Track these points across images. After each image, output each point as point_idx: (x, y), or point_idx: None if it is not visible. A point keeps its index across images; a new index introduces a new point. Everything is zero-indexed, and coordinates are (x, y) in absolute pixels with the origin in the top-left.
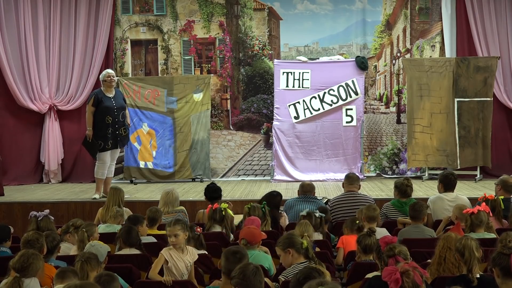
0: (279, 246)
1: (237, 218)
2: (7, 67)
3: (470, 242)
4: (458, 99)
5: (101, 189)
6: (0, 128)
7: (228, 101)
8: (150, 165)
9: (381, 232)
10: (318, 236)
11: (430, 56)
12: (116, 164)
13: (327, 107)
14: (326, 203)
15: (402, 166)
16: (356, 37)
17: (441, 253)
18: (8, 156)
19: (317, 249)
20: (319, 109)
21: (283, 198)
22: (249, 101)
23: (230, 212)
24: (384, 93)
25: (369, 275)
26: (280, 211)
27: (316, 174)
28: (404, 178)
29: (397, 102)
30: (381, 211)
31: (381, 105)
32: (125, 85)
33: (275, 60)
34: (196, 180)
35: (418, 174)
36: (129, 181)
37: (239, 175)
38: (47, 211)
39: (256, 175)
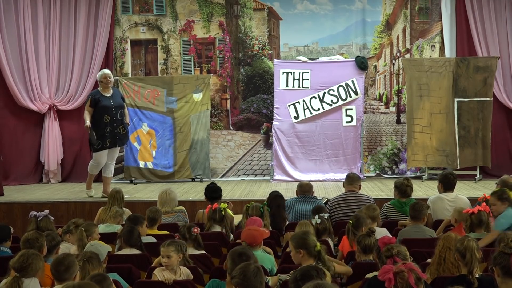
0: (292, 243)
1: (237, 218)
2: (7, 67)
3: (471, 243)
4: (457, 99)
5: (91, 185)
6: (0, 128)
7: (228, 101)
8: (150, 165)
9: (381, 232)
10: (330, 242)
11: (430, 56)
12: (116, 164)
13: (327, 107)
14: (326, 203)
15: (402, 166)
16: (356, 37)
17: (441, 253)
18: (8, 156)
19: None
20: (319, 109)
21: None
22: (248, 101)
23: (230, 212)
24: (384, 93)
25: (369, 275)
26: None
27: (316, 174)
28: (404, 178)
29: (396, 102)
30: (381, 211)
31: (381, 105)
32: (125, 85)
33: (275, 60)
34: (196, 180)
35: (418, 174)
36: (129, 181)
37: (239, 175)
38: (46, 211)
39: (256, 175)
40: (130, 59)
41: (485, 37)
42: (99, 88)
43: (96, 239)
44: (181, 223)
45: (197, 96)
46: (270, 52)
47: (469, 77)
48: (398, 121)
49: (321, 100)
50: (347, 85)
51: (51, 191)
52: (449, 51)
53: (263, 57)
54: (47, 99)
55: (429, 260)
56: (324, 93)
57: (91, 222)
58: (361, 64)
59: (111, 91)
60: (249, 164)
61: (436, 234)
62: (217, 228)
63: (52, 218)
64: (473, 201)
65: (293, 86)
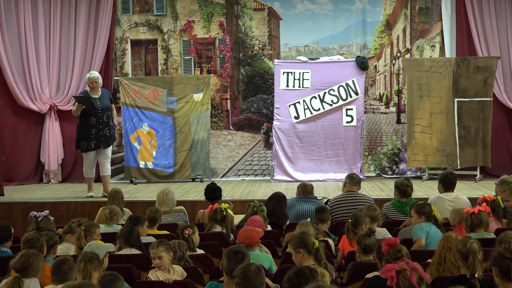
0: (291, 245)
1: (237, 218)
2: (7, 67)
3: (474, 245)
4: (458, 99)
5: (92, 187)
6: (0, 128)
7: (228, 101)
8: (150, 165)
9: (381, 232)
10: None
11: (430, 56)
12: (116, 164)
13: (327, 107)
14: (326, 203)
15: (402, 166)
16: (356, 37)
17: (441, 253)
18: (9, 156)
19: None
20: (319, 109)
21: None
22: (249, 101)
23: (231, 212)
24: (384, 93)
25: (369, 275)
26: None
27: (316, 174)
28: (404, 178)
29: (397, 102)
30: (381, 211)
31: (381, 105)
32: (125, 85)
33: (276, 60)
34: (196, 180)
35: (418, 174)
36: (129, 181)
37: (239, 175)
38: (46, 211)
39: (256, 175)
40: (131, 59)
41: (485, 37)
42: (87, 89)
43: (97, 240)
44: (181, 223)
45: (198, 96)
46: (270, 52)
47: (470, 77)
48: (398, 121)
49: (322, 100)
50: (347, 85)
51: (51, 191)
52: (449, 51)
53: (263, 57)
54: (48, 99)
55: (429, 260)
56: (325, 93)
57: (93, 222)
58: (362, 64)
59: (100, 92)
60: (249, 164)
61: None
62: (218, 228)
63: (52, 218)
64: (473, 201)
65: (294, 86)
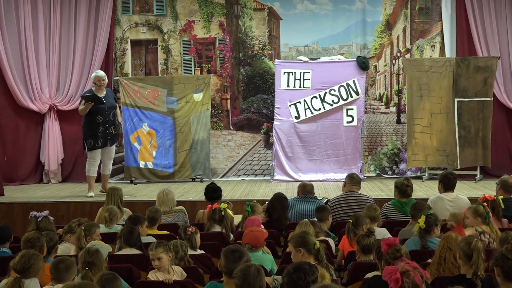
0: (292, 243)
1: (237, 218)
2: (7, 67)
3: (479, 244)
4: (458, 99)
5: (93, 186)
6: (1, 128)
7: (228, 101)
8: (150, 165)
9: (381, 232)
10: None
11: (430, 56)
12: (116, 164)
13: (328, 107)
14: (326, 203)
15: (402, 166)
16: (356, 37)
17: (441, 253)
18: (9, 156)
19: None
20: (320, 109)
21: None
22: (249, 101)
23: (230, 212)
24: (384, 93)
25: (369, 275)
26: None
27: (316, 174)
28: (404, 178)
29: (397, 102)
30: (381, 211)
31: (381, 105)
32: (125, 85)
33: (276, 60)
34: (196, 180)
35: (418, 174)
36: (129, 181)
37: (239, 175)
38: (46, 211)
39: (256, 175)
40: (131, 59)
41: (485, 37)
42: (92, 88)
43: (97, 240)
44: (181, 223)
45: (198, 96)
46: (270, 52)
47: (470, 77)
48: (399, 121)
49: (322, 100)
50: (348, 85)
51: (51, 191)
52: (450, 51)
53: (264, 57)
54: (48, 99)
55: (429, 260)
56: (325, 93)
57: (93, 222)
58: (362, 64)
59: (105, 91)
60: (249, 164)
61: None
62: (217, 228)
63: (52, 218)
64: (473, 201)
65: (294, 86)
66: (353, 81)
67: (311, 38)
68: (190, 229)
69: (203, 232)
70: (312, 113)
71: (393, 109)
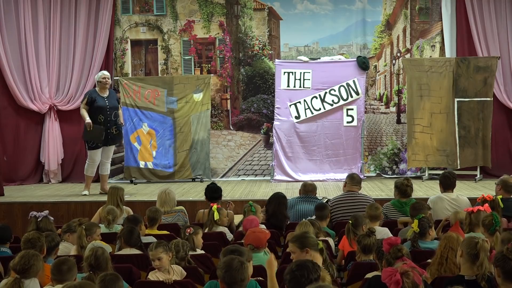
0: (296, 244)
1: (237, 218)
2: (7, 67)
3: (486, 244)
4: (458, 99)
5: (89, 185)
6: (1, 128)
7: (228, 101)
8: (150, 165)
9: (382, 231)
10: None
11: (430, 56)
12: (116, 164)
13: (328, 107)
14: (326, 203)
15: (402, 166)
16: (356, 37)
17: (442, 253)
18: (9, 156)
19: None
20: (320, 109)
21: None
22: (249, 101)
23: (225, 212)
24: (384, 93)
25: (369, 275)
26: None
27: (316, 174)
28: (404, 178)
29: (397, 102)
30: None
31: (381, 105)
32: (125, 85)
33: (276, 60)
34: (196, 180)
35: (418, 174)
36: (129, 181)
37: (239, 175)
38: (46, 211)
39: (256, 175)
40: (130, 59)
41: (485, 37)
42: (96, 88)
43: (97, 240)
44: (181, 223)
45: (198, 96)
46: (270, 52)
47: (470, 77)
48: (399, 121)
49: (322, 100)
50: (348, 85)
51: (51, 191)
52: (450, 51)
53: (264, 57)
54: (47, 99)
55: (429, 260)
56: (325, 93)
57: (94, 222)
58: (363, 64)
59: (108, 92)
60: (250, 164)
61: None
62: (219, 228)
63: (52, 218)
64: (473, 201)
65: (294, 86)
66: (353, 81)
67: (311, 38)
68: (189, 230)
69: (204, 232)
70: (312, 113)
71: (393, 109)
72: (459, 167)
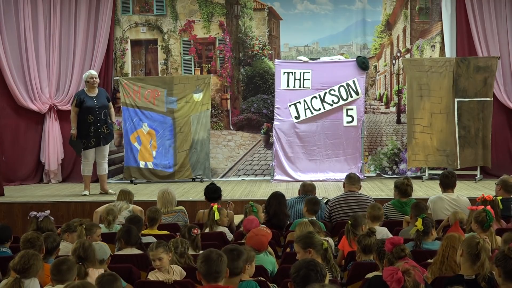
0: (299, 244)
1: (237, 218)
2: (7, 67)
3: (486, 244)
4: (458, 99)
5: (89, 186)
6: (0, 128)
7: (228, 101)
8: (150, 165)
9: (382, 231)
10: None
11: (430, 56)
12: (116, 164)
13: (327, 107)
14: (326, 203)
15: (402, 166)
16: (356, 37)
17: (444, 252)
18: (9, 156)
19: None
20: (319, 109)
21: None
22: (249, 101)
23: (226, 212)
24: (384, 93)
25: (369, 275)
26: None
27: (316, 174)
28: (404, 177)
29: (397, 102)
30: None
31: (381, 105)
32: (125, 85)
33: (276, 60)
34: (196, 180)
35: (418, 174)
36: (129, 181)
37: (239, 175)
38: (47, 211)
39: (256, 175)
40: (130, 59)
41: (485, 37)
42: (84, 89)
43: (97, 240)
44: (181, 223)
45: (197, 96)
46: (270, 52)
47: (470, 77)
48: (399, 121)
49: (322, 100)
50: (348, 85)
51: (51, 191)
52: (450, 51)
53: (263, 57)
54: (48, 99)
55: (429, 260)
56: (325, 93)
57: (94, 223)
58: (362, 64)
59: (97, 91)
60: (250, 164)
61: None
62: (219, 228)
63: (53, 218)
64: (473, 201)
65: (294, 86)
66: (353, 81)
67: (311, 38)
68: (196, 231)
69: (203, 232)
70: (312, 113)
71: (393, 109)
72: (459, 167)
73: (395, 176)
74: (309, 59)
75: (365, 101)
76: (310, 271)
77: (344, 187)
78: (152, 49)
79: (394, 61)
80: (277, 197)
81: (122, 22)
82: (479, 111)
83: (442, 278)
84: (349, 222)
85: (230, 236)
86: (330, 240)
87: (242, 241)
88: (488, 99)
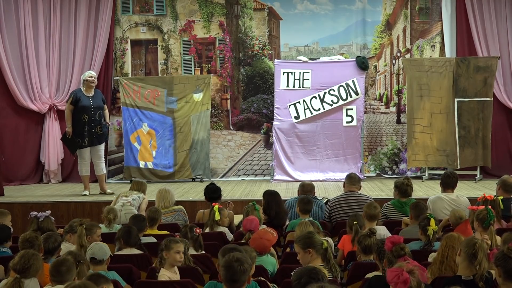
0: (299, 245)
1: (237, 218)
2: (7, 67)
3: (484, 244)
4: (458, 99)
5: (88, 186)
6: (0, 128)
7: (228, 101)
8: (150, 165)
9: (381, 231)
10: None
11: (430, 56)
12: (116, 164)
13: (327, 107)
14: (326, 203)
15: (402, 166)
16: (356, 37)
17: (443, 251)
18: (9, 156)
19: None
20: (319, 109)
21: (283, 198)
22: (249, 101)
23: (227, 212)
24: (384, 93)
25: (369, 275)
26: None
27: (316, 174)
28: (404, 177)
29: (397, 102)
30: (381, 211)
31: (381, 105)
32: (125, 85)
33: (276, 60)
34: (196, 180)
35: (418, 174)
36: (129, 181)
37: (239, 175)
38: (48, 211)
39: (256, 175)
40: (130, 59)
41: (485, 37)
42: (82, 88)
43: (97, 240)
44: (180, 223)
45: (197, 96)
46: (270, 52)
47: (470, 77)
48: (399, 121)
49: (322, 100)
50: (347, 85)
51: (51, 191)
52: (450, 51)
53: (264, 57)
54: (47, 99)
55: (430, 260)
56: (325, 93)
57: (95, 223)
58: (362, 64)
59: (93, 92)
60: (249, 164)
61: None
62: (219, 228)
63: (53, 218)
64: (473, 201)
65: (294, 86)
66: (353, 81)
67: (311, 38)
68: (198, 230)
69: (203, 232)
70: (311, 113)
71: (393, 109)
72: (459, 167)
73: (395, 176)
74: (309, 59)
75: (365, 101)
76: (311, 279)
77: (344, 187)
78: (152, 49)
79: (394, 61)
80: (273, 196)
81: (122, 22)
82: (479, 111)
83: (441, 278)
84: (356, 222)
85: (230, 236)
86: (330, 240)
87: (242, 241)
88: (488, 99)
